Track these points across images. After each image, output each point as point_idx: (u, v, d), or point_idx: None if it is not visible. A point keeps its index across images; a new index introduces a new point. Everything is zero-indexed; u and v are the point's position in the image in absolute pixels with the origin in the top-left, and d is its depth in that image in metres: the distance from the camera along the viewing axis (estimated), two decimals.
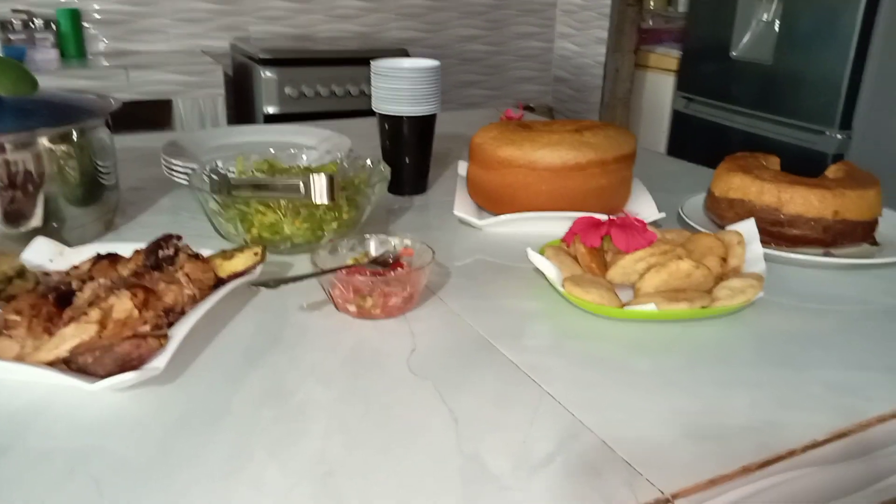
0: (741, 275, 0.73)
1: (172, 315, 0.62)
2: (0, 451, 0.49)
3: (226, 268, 0.70)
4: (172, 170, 1.03)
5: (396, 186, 1.07)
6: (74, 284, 0.65)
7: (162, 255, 0.68)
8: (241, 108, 2.84)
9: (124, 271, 0.67)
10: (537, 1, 3.63)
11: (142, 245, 0.72)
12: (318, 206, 0.81)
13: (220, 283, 0.69)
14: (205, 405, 0.55)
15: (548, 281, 0.75)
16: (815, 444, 0.52)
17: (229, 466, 0.48)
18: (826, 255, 0.85)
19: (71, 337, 0.56)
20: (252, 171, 0.92)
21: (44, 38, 2.57)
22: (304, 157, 0.97)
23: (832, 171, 0.92)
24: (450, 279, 0.79)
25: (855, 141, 1.95)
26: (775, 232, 0.86)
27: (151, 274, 0.64)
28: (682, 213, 0.93)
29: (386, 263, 0.74)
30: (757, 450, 0.51)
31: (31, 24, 2.56)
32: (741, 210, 0.88)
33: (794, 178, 0.87)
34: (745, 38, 2.24)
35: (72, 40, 2.68)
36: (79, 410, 0.54)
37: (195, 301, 0.65)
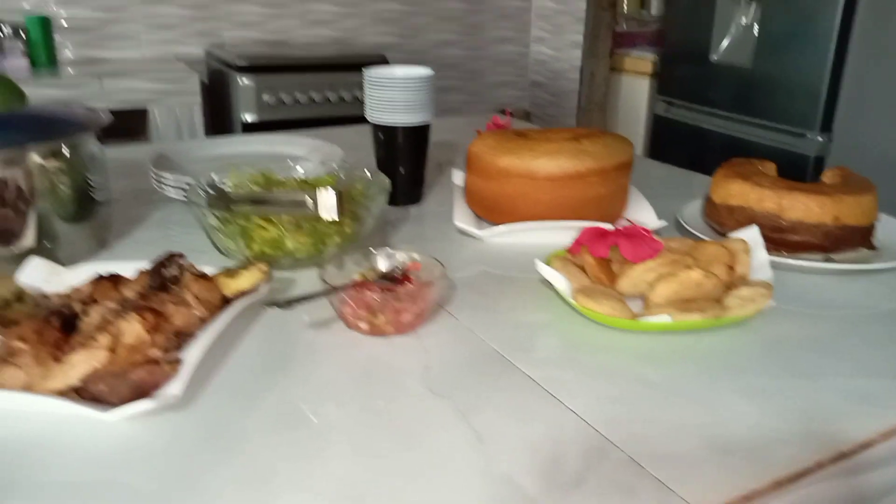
0: (749, 283, 0.73)
1: (182, 337, 0.60)
2: (8, 487, 0.47)
3: (231, 286, 0.69)
4: (162, 183, 1.00)
5: (392, 197, 1.05)
6: (78, 307, 0.63)
7: (167, 275, 0.66)
8: (218, 116, 2.80)
9: (129, 293, 0.65)
10: (512, 5, 3.64)
11: (143, 264, 0.70)
12: (319, 220, 0.80)
13: (225, 302, 0.68)
14: (221, 431, 0.54)
15: (556, 292, 0.75)
16: (843, 455, 0.52)
17: (252, 495, 0.47)
18: (827, 260, 0.85)
19: (80, 364, 0.54)
20: (248, 184, 0.90)
21: (13, 46, 2.51)
22: (300, 168, 0.95)
23: (828, 177, 0.93)
24: (456, 292, 0.79)
25: (835, 143, 1.99)
26: (776, 238, 0.86)
27: (158, 295, 0.62)
28: (681, 221, 0.93)
29: (394, 278, 0.73)
30: (787, 462, 0.51)
31: None
32: (741, 217, 0.88)
33: (793, 185, 0.88)
34: (725, 43, 2.26)
35: (42, 48, 2.61)
36: (90, 441, 0.52)
37: (204, 322, 0.63)
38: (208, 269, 0.71)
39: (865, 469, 0.53)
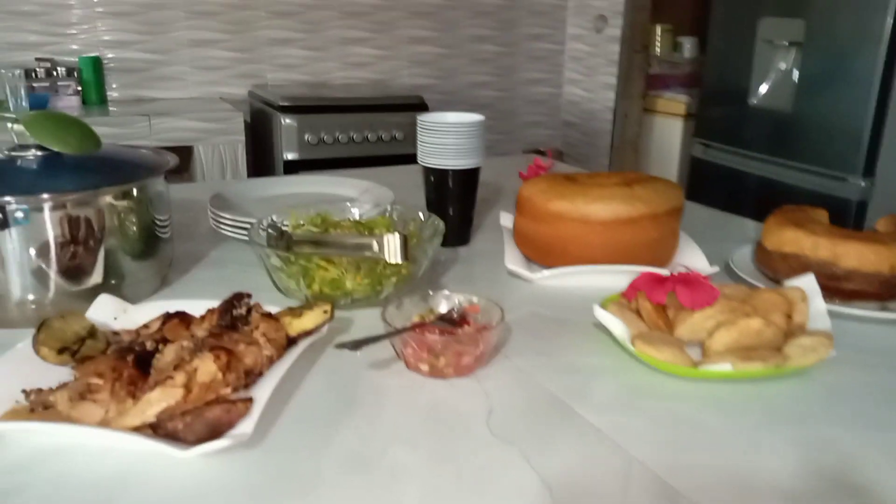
0: (809, 332, 0.73)
1: (251, 376, 0.62)
2: None
3: (295, 326, 0.70)
4: (220, 222, 1.03)
5: (442, 238, 1.07)
6: (149, 345, 0.64)
7: (235, 314, 0.68)
8: (260, 154, 2.87)
9: (199, 331, 0.67)
10: (545, 48, 3.70)
11: (209, 303, 0.72)
12: (379, 262, 0.81)
13: (290, 341, 0.69)
14: (293, 471, 0.55)
15: (612, 337, 0.75)
16: None
17: None
18: (883, 309, 0.85)
19: (157, 402, 0.56)
20: (306, 225, 0.92)
21: (66, 85, 2.61)
22: (355, 210, 0.98)
23: (882, 225, 0.93)
24: (511, 334, 0.79)
25: (878, 188, 1.97)
26: (831, 286, 0.86)
27: (229, 334, 0.63)
28: (734, 268, 0.93)
29: (453, 321, 0.74)
30: None
31: (54, 72, 2.59)
32: (795, 264, 0.88)
33: (848, 233, 0.88)
34: (764, 86, 2.27)
35: (93, 87, 2.71)
36: (167, 478, 0.53)
37: (271, 361, 0.64)
38: (271, 309, 0.72)
39: None
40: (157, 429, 0.55)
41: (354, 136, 2.64)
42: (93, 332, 0.68)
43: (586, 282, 0.92)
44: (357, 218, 0.97)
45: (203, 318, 0.69)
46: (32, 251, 0.76)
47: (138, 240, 0.84)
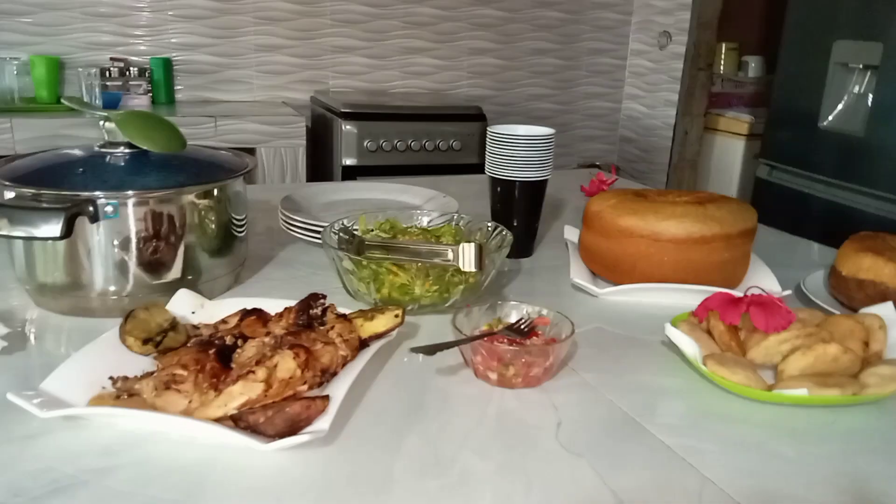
0: (888, 361, 0.71)
1: (326, 375, 0.63)
2: None
3: (367, 329, 0.71)
4: (291, 224, 1.06)
5: None
6: (228, 339, 0.66)
7: (311, 314, 0.69)
8: (319, 159, 2.92)
9: (276, 329, 0.68)
10: (607, 63, 3.68)
11: (285, 302, 0.74)
12: (447, 270, 0.82)
13: (361, 343, 0.70)
14: (368, 470, 0.55)
15: (682, 356, 0.74)
16: None
17: None
18: None
19: (239, 395, 0.57)
20: (376, 230, 0.94)
21: (138, 84, 2.70)
22: (424, 219, 0.99)
23: None
24: (578, 349, 0.79)
25: None
26: None
27: (307, 333, 0.65)
28: (807, 293, 0.91)
29: (522, 332, 0.74)
30: None
31: (127, 71, 2.69)
32: (872, 292, 0.86)
33: None
34: (836, 110, 2.22)
35: (163, 88, 2.80)
36: (245, 470, 0.55)
37: (346, 362, 0.66)
38: (343, 310, 0.74)
39: None
40: (238, 421, 0.57)
41: (412, 144, 2.67)
42: (174, 324, 0.70)
43: (653, 299, 0.91)
44: (424, 225, 0.98)
45: (280, 315, 0.71)
46: (117, 245, 0.79)
47: (216, 237, 0.86)
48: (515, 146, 1.03)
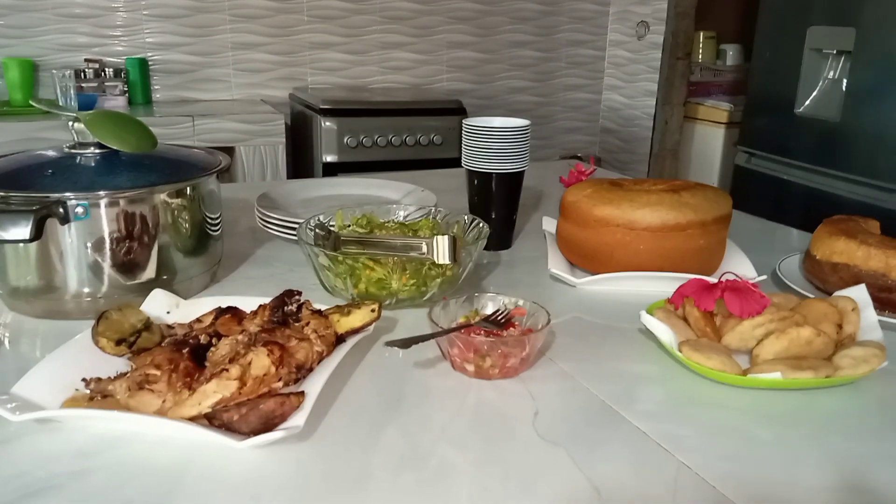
0: (860, 343, 0.72)
1: (302, 371, 0.63)
2: None
3: (344, 324, 0.71)
4: (267, 222, 1.05)
5: None
6: (202, 338, 0.66)
7: (286, 311, 0.69)
8: (299, 156, 2.90)
9: (251, 326, 0.68)
10: (586, 54, 3.68)
11: (260, 299, 0.74)
12: (425, 263, 0.82)
13: (338, 339, 0.70)
14: (343, 465, 0.55)
15: (659, 344, 0.75)
16: None
17: None
18: None
19: (213, 393, 0.57)
20: (352, 226, 0.93)
21: (113, 85, 2.67)
22: (400, 213, 0.99)
23: None
24: (555, 339, 0.79)
25: None
26: (883, 298, 0.84)
27: (282, 330, 0.65)
28: (782, 277, 0.92)
29: (499, 323, 0.74)
30: None
31: (102, 72, 2.66)
32: (846, 275, 0.87)
33: None
34: (811, 96, 2.23)
35: (140, 88, 2.77)
36: (222, 468, 0.54)
37: (321, 357, 0.65)
38: (319, 307, 0.74)
39: None
40: (212, 420, 0.57)
41: (393, 140, 2.66)
42: (148, 324, 0.70)
43: (631, 288, 0.91)
44: (402, 220, 0.98)
45: (254, 313, 0.71)
46: (89, 246, 0.78)
47: (190, 237, 0.86)
48: (491, 138, 1.03)
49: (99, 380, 0.61)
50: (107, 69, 2.68)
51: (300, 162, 2.89)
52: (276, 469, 0.55)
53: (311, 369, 0.64)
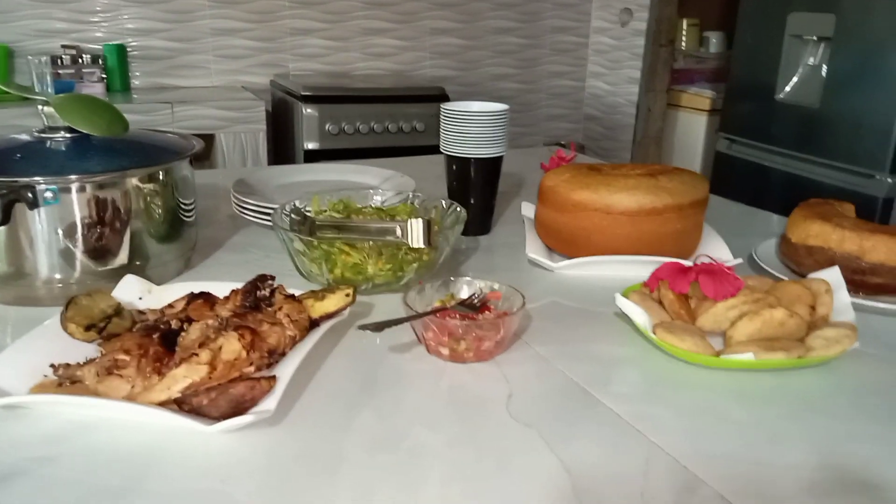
0: (833, 324, 0.72)
1: (274, 356, 0.62)
2: (120, 494, 0.50)
3: (318, 308, 0.71)
4: (243, 208, 1.04)
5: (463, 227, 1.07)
6: (174, 324, 0.65)
7: (259, 296, 0.68)
8: (280, 143, 2.88)
9: (223, 311, 0.67)
10: (569, 41, 3.68)
11: (233, 284, 0.73)
12: (401, 248, 0.82)
13: (312, 323, 0.70)
14: (317, 449, 0.55)
15: (634, 326, 0.75)
16: None
17: None
18: None
19: (183, 378, 0.56)
20: (329, 211, 0.93)
21: (91, 72, 2.64)
22: (378, 197, 0.98)
23: None
24: (531, 322, 0.79)
25: None
26: (857, 280, 0.85)
27: (253, 314, 0.64)
28: (758, 260, 0.93)
29: (474, 306, 0.74)
30: None
31: (79, 59, 2.62)
32: (821, 257, 0.87)
33: (875, 227, 0.87)
34: (791, 82, 2.25)
35: (118, 75, 2.74)
36: (192, 453, 0.54)
37: (294, 342, 0.65)
38: (294, 292, 0.73)
39: None
40: (181, 405, 0.56)
41: (375, 127, 2.65)
42: (119, 310, 0.69)
43: (609, 272, 0.91)
44: (379, 205, 0.98)
45: (227, 298, 0.70)
46: (60, 231, 0.77)
47: (163, 222, 0.85)
48: (469, 123, 1.02)
49: (67, 365, 0.60)
50: (84, 55, 2.64)
51: (281, 149, 2.87)
52: (248, 453, 0.54)
53: (283, 354, 0.63)
